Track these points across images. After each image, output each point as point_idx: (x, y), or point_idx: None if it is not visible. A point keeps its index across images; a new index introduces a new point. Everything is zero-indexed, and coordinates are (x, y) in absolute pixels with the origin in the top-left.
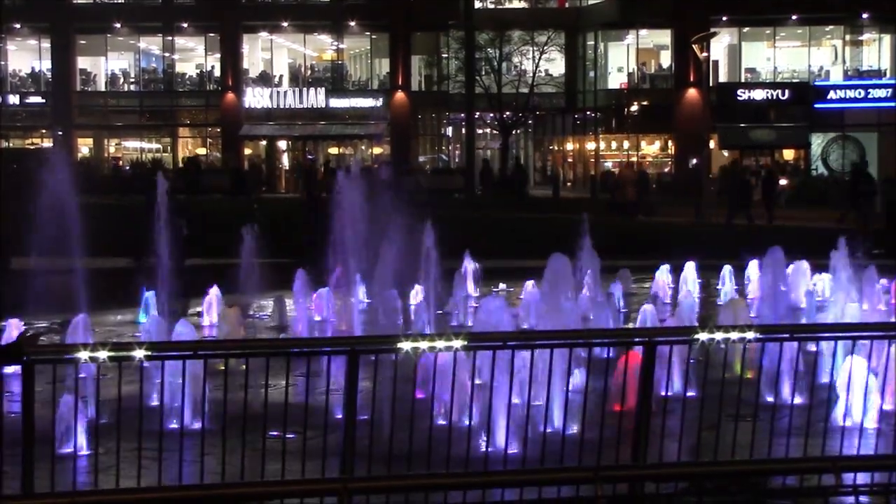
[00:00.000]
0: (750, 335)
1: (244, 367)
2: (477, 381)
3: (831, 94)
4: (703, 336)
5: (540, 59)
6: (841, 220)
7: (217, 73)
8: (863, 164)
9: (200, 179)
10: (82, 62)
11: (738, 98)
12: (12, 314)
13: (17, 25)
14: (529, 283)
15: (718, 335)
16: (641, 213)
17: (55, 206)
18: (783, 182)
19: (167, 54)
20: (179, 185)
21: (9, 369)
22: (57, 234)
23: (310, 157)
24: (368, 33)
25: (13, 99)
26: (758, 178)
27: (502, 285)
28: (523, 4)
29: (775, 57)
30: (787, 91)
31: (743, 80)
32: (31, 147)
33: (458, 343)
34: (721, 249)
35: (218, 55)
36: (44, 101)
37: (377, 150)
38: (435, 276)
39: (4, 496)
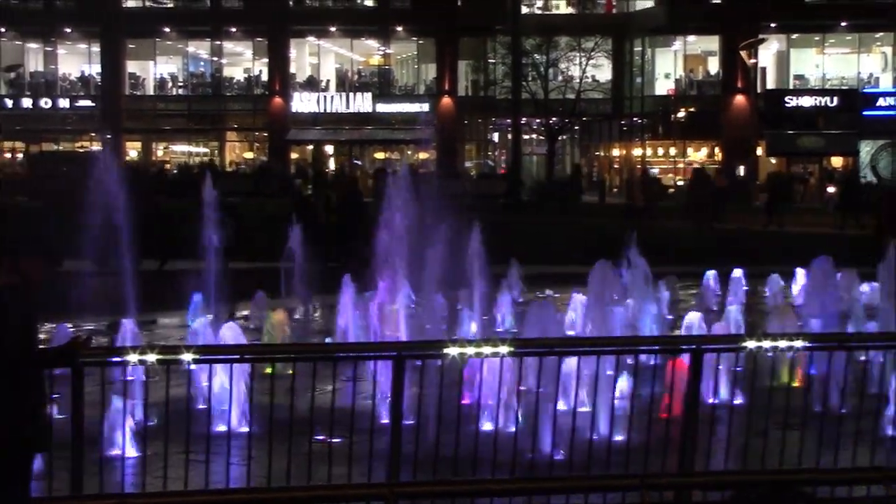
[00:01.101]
0: (798, 343)
1: (291, 371)
2: (522, 387)
3: (880, 101)
4: (751, 344)
5: (587, 64)
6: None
7: (265, 77)
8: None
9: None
10: (131, 66)
11: (786, 105)
12: (62, 317)
13: (68, 30)
14: (575, 290)
15: (766, 343)
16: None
17: (104, 209)
18: (831, 189)
19: (215, 59)
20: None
21: (58, 371)
22: (106, 237)
23: (356, 161)
24: (415, 38)
25: (63, 102)
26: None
27: (548, 291)
28: (570, 10)
29: (824, 63)
30: (835, 98)
31: (791, 87)
32: (81, 150)
33: (504, 349)
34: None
35: (266, 60)
36: (93, 104)
37: (423, 155)
38: (480, 280)
39: (54, 497)
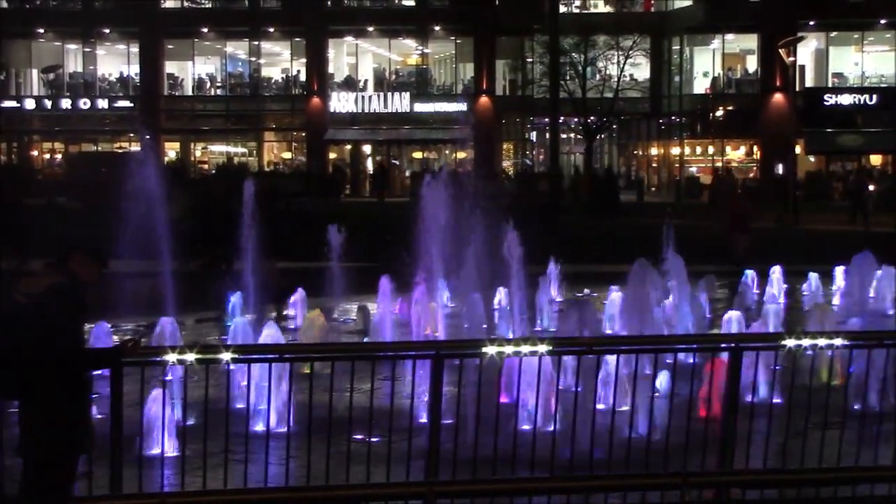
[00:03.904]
0: (838, 342)
1: (329, 370)
2: (561, 386)
3: None
4: (790, 342)
5: (625, 63)
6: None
7: (303, 77)
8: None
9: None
10: (170, 67)
11: (825, 103)
12: (101, 317)
13: (107, 30)
14: (614, 289)
15: (806, 341)
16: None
17: (142, 209)
18: (871, 188)
19: (253, 59)
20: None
21: (96, 371)
22: (142, 237)
23: (394, 161)
24: (453, 38)
25: (102, 103)
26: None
27: (586, 290)
28: (608, 9)
29: (863, 61)
30: (874, 96)
31: (830, 85)
32: (119, 151)
33: (543, 348)
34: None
35: (303, 60)
36: (132, 105)
37: (461, 155)
38: (519, 280)
39: (94, 497)
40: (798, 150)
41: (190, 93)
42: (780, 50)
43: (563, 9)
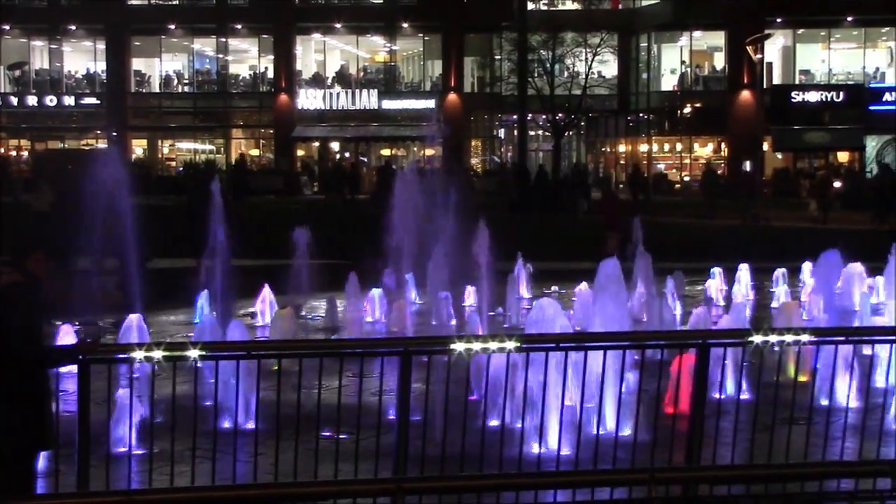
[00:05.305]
0: (805, 338)
1: (297, 367)
2: (528, 383)
3: (886, 96)
4: (757, 338)
5: (593, 60)
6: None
7: (270, 74)
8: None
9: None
10: (137, 63)
11: (793, 100)
12: (66, 314)
13: (73, 27)
14: (582, 285)
15: (773, 337)
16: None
17: (109, 206)
18: (837, 184)
19: (221, 56)
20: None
21: (64, 368)
22: (109, 235)
23: (362, 158)
24: (421, 35)
25: (68, 100)
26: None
27: (555, 287)
28: (576, 6)
29: (830, 59)
30: (841, 93)
31: (797, 82)
32: (86, 148)
33: (511, 344)
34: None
35: (271, 57)
36: (98, 102)
37: (430, 152)
38: (487, 277)
39: (60, 494)
40: (766, 147)
41: (157, 90)
42: (747, 47)
43: (531, 6)
